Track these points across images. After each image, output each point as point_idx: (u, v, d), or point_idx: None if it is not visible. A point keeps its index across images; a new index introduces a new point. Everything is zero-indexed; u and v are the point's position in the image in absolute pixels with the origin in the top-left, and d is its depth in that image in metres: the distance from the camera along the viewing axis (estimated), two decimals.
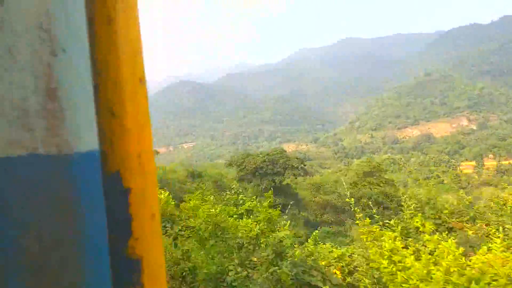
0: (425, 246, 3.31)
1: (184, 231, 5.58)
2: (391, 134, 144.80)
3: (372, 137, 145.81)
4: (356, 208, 4.44)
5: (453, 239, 3.19)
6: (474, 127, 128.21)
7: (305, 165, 35.19)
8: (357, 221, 4.30)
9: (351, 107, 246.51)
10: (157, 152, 24.68)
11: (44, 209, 0.53)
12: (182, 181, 28.44)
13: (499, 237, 3.06)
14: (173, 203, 7.16)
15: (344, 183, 21.42)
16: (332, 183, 32.73)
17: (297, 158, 34.72)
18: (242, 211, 6.79)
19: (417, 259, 3.09)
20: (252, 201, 7.20)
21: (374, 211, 4.81)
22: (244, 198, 7.85)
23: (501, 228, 3.74)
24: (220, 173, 33.93)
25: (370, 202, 7.58)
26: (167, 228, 5.86)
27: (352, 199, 4.68)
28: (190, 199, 6.59)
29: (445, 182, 50.13)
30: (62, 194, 0.55)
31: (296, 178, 32.83)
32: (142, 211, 0.59)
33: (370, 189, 25.02)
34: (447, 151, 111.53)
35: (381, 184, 26.00)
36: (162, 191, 7.53)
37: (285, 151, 35.94)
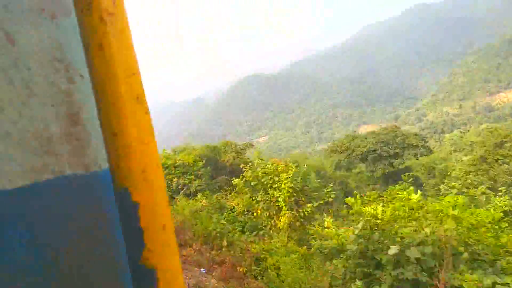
0: None
1: None
2: (482, 102, 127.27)
3: (460, 107, 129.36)
4: None
5: None
6: None
7: (426, 142, 30.16)
8: None
9: (431, 78, 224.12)
10: (251, 145, 26.58)
11: (78, 228, 0.57)
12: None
13: None
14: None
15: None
16: (441, 161, 26.04)
17: (415, 135, 29.61)
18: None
19: None
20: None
21: None
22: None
23: None
24: (320, 160, 30.08)
25: None
26: None
27: None
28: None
29: None
30: (90, 212, 0.60)
31: (417, 160, 26.84)
32: (152, 223, 0.62)
33: (507, 164, 19.64)
34: None
35: None
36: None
37: (399, 128, 31.01)
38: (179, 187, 17.29)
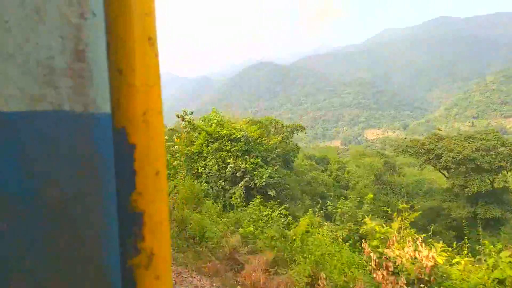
0: None
1: None
2: (496, 123, 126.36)
3: (472, 125, 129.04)
4: None
5: None
6: None
7: None
8: None
9: (443, 92, 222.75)
10: (303, 128, 23.01)
11: (66, 164, 0.55)
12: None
13: None
14: None
15: None
16: None
17: None
18: None
19: None
20: None
21: None
22: None
23: None
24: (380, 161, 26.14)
25: None
26: None
27: None
28: None
29: None
30: (84, 150, 0.57)
31: None
32: (146, 167, 0.60)
33: None
34: None
35: None
36: None
37: (498, 133, 22.88)
38: (237, 174, 11.51)
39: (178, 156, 9.96)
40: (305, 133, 24.21)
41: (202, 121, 13.27)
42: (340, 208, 10.03)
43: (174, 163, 9.12)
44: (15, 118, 0.52)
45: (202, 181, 11.31)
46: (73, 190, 0.57)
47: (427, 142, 22.83)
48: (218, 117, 13.00)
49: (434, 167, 22.91)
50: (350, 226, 8.58)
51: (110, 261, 0.58)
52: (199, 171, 11.99)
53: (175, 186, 7.21)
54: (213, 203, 8.48)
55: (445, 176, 23.00)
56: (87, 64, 0.59)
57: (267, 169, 11.70)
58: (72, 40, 0.58)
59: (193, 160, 12.24)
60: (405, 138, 35.75)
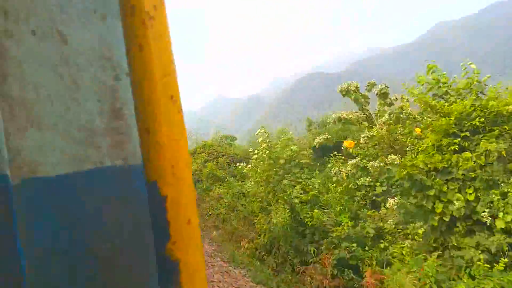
0: None
1: None
2: None
3: None
4: None
5: None
6: None
7: None
8: None
9: None
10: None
11: (111, 217, 0.60)
12: None
13: None
14: None
15: None
16: None
17: None
18: None
19: None
20: None
21: None
22: None
23: None
24: None
25: None
26: None
27: None
28: None
29: None
30: (126, 202, 0.62)
31: None
32: (178, 217, 0.64)
33: None
34: None
35: None
36: None
37: None
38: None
39: None
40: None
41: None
42: None
43: None
44: (61, 181, 0.56)
45: None
46: (119, 242, 0.61)
47: None
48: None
49: None
50: None
51: None
52: None
53: None
54: None
55: None
56: (124, 121, 0.65)
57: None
58: (108, 100, 0.64)
59: None
60: None
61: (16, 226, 0.52)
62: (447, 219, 4.88)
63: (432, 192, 5.02)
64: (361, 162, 8.30)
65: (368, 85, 10.65)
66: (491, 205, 4.61)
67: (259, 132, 10.03)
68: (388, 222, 6.33)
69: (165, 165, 0.64)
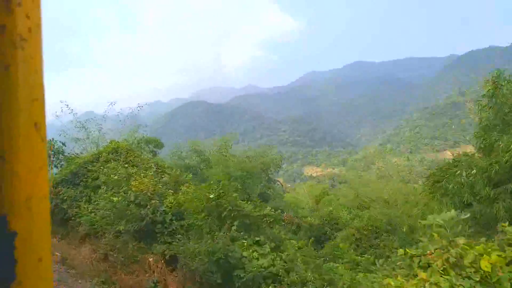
0: None
1: None
2: (430, 157, 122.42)
3: (408, 160, 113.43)
4: None
5: None
6: None
7: None
8: None
9: (371, 129, 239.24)
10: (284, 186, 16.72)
11: None
12: None
13: None
14: None
15: None
16: None
17: None
18: None
19: None
20: None
21: None
22: None
23: None
24: None
25: None
26: None
27: None
28: None
29: None
30: None
31: None
32: (28, 254, 0.61)
33: None
34: None
35: None
36: None
37: None
38: None
39: None
40: None
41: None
42: None
43: None
44: None
45: None
46: None
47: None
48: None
49: None
50: None
51: None
52: None
53: None
54: None
55: None
56: None
57: None
58: None
59: None
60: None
61: None
62: None
63: None
64: None
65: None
66: None
67: None
68: None
69: (18, 197, 0.60)
